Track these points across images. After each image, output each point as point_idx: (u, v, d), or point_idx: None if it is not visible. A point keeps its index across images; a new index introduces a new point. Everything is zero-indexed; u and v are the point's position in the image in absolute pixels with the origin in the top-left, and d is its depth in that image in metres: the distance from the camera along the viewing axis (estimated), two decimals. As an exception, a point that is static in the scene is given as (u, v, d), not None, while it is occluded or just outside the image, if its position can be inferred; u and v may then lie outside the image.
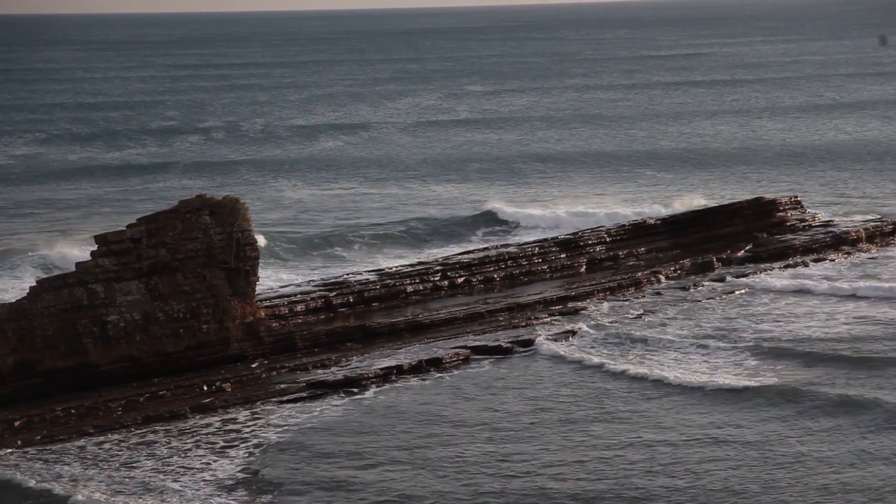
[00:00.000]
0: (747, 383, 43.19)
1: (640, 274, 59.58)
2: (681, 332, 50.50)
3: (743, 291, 57.13)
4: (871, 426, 38.56)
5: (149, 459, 39.11)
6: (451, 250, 67.40)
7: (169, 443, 40.54)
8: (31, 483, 37.15)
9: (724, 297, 56.29)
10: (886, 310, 53.11)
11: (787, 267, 61.28)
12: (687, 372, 44.96)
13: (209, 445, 40.13)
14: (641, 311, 53.83)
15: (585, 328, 51.21)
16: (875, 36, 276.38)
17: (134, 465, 38.73)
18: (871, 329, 50.09)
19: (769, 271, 60.38)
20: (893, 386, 42.50)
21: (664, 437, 38.64)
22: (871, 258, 63.24)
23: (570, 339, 50.14)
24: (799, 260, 62.51)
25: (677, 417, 40.54)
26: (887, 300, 54.48)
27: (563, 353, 48.34)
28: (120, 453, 39.82)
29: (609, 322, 52.21)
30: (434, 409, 42.71)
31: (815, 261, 62.45)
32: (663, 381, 44.12)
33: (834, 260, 62.78)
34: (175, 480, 37.20)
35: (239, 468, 38.02)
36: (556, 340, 49.79)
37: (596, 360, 47.19)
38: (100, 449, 40.28)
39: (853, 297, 55.41)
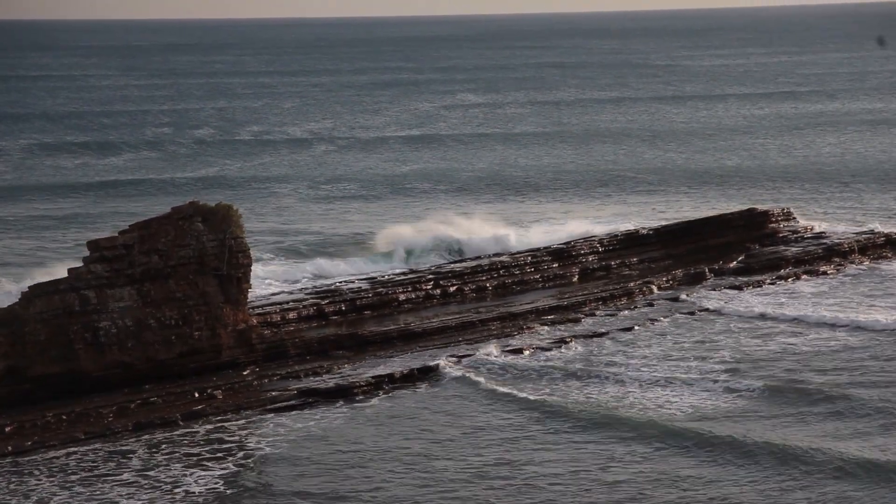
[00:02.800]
0: (638, 416, 41.50)
1: (632, 284, 59.66)
2: (616, 359, 48.67)
3: (705, 315, 55.17)
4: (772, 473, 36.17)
5: (124, 472, 38.43)
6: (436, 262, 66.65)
7: (148, 453, 40.09)
8: None
9: (686, 319, 54.49)
10: (846, 339, 50.66)
11: (778, 279, 61.29)
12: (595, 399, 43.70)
13: (188, 457, 39.62)
14: (554, 339, 51.46)
15: (495, 353, 49.38)
16: (875, 38, 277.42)
17: (105, 478, 38.00)
18: (819, 361, 47.56)
19: (748, 287, 59.80)
20: (817, 429, 39.93)
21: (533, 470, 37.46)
22: (863, 269, 63.36)
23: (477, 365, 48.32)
24: (791, 271, 62.58)
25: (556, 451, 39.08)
26: (856, 329, 52.02)
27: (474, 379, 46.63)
28: (94, 465, 39.27)
29: (513, 347, 50.16)
30: (419, 423, 42.73)
31: (807, 272, 62.48)
32: (557, 406, 42.83)
33: (827, 273, 62.71)
34: (138, 499, 36.44)
35: (216, 482, 37.45)
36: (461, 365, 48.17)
37: (489, 385, 45.71)
38: (68, 460, 39.75)
39: (819, 325, 52.78)
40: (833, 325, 52.50)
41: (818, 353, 48.76)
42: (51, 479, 38.08)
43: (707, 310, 55.76)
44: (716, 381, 45.08)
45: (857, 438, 38.57)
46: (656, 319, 54.41)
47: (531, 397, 43.86)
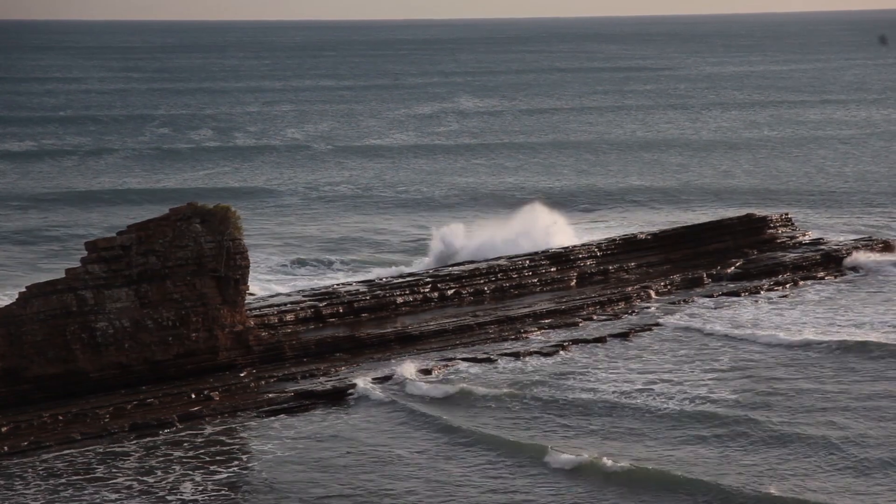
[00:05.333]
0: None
1: (629, 288, 59.60)
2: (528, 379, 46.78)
3: (656, 330, 53.31)
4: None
5: (118, 475, 38.22)
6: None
7: (143, 456, 39.92)
8: None
9: (657, 336, 52.55)
10: (825, 357, 48.46)
11: (776, 284, 61.19)
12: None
13: (184, 460, 39.46)
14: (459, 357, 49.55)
15: (404, 375, 46.98)
16: (878, 38, 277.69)
17: (99, 481, 37.75)
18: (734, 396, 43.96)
19: (745, 293, 59.38)
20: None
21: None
22: (859, 275, 63.26)
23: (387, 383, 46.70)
24: (789, 277, 62.53)
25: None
26: (836, 348, 49.64)
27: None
28: (89, 467, 39.08)
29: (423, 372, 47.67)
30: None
31: (804, 278, 62.41)
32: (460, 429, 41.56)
33: (824, 279, 62.61)
34: None
35: (211, 485, 37.18)
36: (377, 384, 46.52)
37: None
38: (64, 462, 39.55)
39: (799, 345, 50.37)
40: (808, 344, 50.18)
41: (785, 373, 46.39)
42: (44, 481, 37.88)
43: (684, 325, 54.04)
44: (640, 406, 42.93)
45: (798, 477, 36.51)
46: (625, 335, 52.56)
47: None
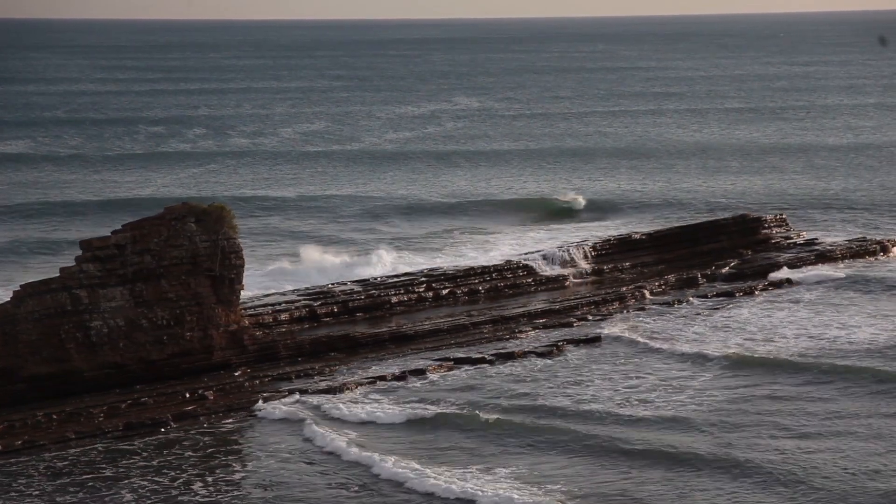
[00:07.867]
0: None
1: (624, 288, 59.69)
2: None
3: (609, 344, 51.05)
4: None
5: (112, 474, 38.10)
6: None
7: (138, 455, 39.86)
8: None
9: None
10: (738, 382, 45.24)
11: (770, 285, 61.16)
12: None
13: (179, 460, 39.34)
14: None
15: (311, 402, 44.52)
16: (877, 38, 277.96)
17: (93, 481, 37.64)
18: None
19: (740, 294, 59.04)
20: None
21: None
22: (853, 277, 63.11)
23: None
24: (782, 278, 62.52)
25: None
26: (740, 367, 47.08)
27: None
28: (83, 466, 39.05)
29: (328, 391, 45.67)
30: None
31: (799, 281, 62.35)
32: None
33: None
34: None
35: (205, 486, 37.08)
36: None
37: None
38: (57, 461, 39.60)
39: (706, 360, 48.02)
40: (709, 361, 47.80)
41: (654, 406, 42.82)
42: (45, 481, 37.83)
43: (668, 330, 52.78)
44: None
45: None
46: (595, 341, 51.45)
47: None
